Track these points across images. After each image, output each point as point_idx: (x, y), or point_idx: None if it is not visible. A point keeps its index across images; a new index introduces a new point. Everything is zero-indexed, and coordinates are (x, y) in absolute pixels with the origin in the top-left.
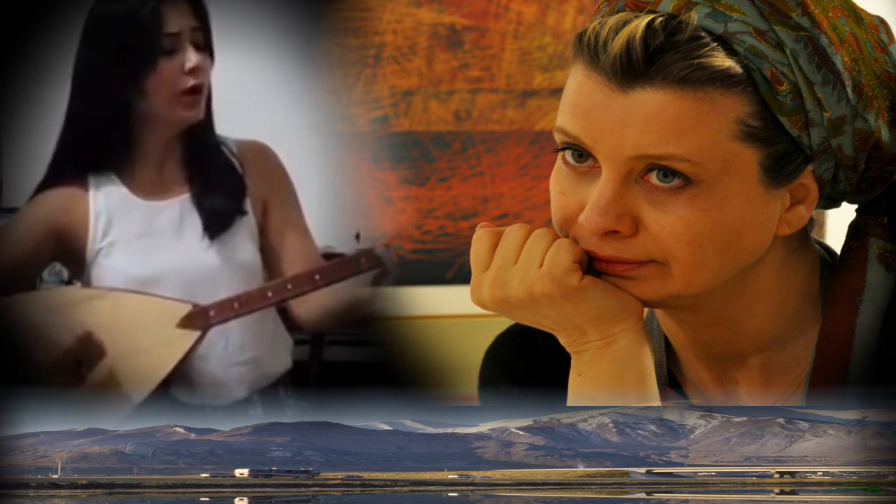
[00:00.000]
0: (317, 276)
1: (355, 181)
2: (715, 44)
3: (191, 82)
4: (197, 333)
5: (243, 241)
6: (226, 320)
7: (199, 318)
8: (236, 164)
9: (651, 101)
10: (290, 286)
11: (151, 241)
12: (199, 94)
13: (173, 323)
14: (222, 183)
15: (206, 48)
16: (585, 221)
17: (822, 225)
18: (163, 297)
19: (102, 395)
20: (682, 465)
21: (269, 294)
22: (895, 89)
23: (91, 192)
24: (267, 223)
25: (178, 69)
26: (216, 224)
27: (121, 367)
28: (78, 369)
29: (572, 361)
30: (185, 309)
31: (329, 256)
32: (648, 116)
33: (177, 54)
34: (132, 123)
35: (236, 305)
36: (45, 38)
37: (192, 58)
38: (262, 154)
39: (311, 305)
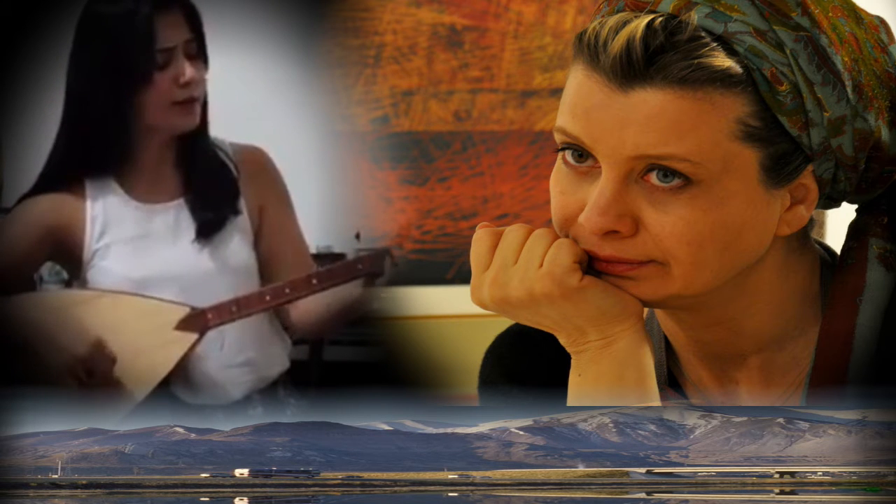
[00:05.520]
0: (314, 281)
1: (355, 181)
2: (715, 44)
3: (185, 95)
4: (194, 336)
5: (238, 244)
6: (223, 323)
7: (197, 321)
8: (231, 167)
9: (651, 101)
10: (288, 290)
11: (147, 244)
12: (195, 104)
13: (171, 325)
14: (217, 186)
15: (199, 57)
16: (585, 221)
17: (822, 225)
18: (161, 300)
19: (102, 396)
20: (682, 465)
21: (267, 298)
22: (895, 89)
23: (88, 195)
24: (262, 227)
25: (172, 83)
26: (211, 226)
27: (120, 368)
28: (86, 372)
29: (572, 361)
30: (183, 311)
31: (327, 256)
32: (648, 116)
33: (170, 68)
34: (127, 129)
35: (234, 309)
36: (45, 39)
37: (186, 71)
38: (258, 159)
39: (305, 311)
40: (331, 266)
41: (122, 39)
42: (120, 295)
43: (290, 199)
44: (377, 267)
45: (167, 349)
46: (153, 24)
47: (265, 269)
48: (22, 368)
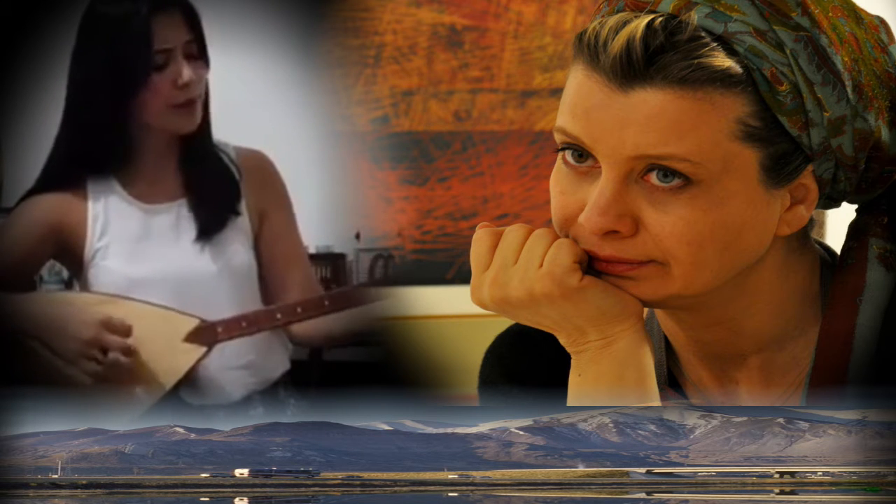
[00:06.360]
0: (327, 302)
1: (355, 181)
2: (715, 44)
3: (184, 97)
4: (203, 349)
5: (238, 246)
6: (232, 338)
7: (207, 334)
8: (234, 170)
9: (651, 101)
10: (300, 310)
11: (147, 244)
12: (194, 105)
13: (180, 336)
14: (218, 188)
15: (200, 58)
16: (585, 221)
17: (822, 225)
18: (170, 309)
19: (106, 397)
20: (682, 465)
21: (278, 316)
22: (895, 89)
23: (90, 194)
24: (262, 231)
25: (171, 84)
26: (210, 228)
27: (130, 364)
28: (101, 350)
29: (572, 361)
30: (193, 323)
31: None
32: (648, 116)
33: (169, 69)
34: (128, 129)
35: (244, 324)
36: (45, 38)
37: (185, 73)
38: (260, 163)
39: (310, 328)
40: (344, 289)
41: (121, 40)
42: (130, 301)
43: (291, 205)
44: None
45: (175, 359)
46: (150, 26)
47: (264, 274)
48: (22, 368)
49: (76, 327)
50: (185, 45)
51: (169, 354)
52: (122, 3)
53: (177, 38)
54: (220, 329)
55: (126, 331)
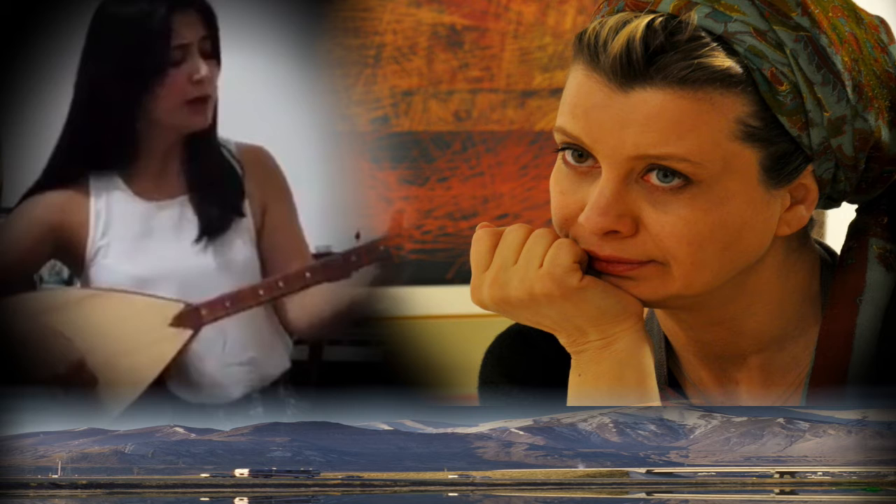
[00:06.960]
0: (308, 274)
1: (355, 181)
2: (715, 44)
3: (198, 92)
4: (189, 332)
5: (241, 243)
6: (217, 319)
7: (191, 317)
8: (236, 167)
9: (651, 101)
10: (281, 284)
11: (150, 241)
12: (206, 102)
13: (166, 322)
14: (222, 185)
15: (213, 56)
16: (585, 221)
17: (822, 225)
18: (155, 297)
19: (97, 394)
20: (682, 465)
21: (261, 292)
22: (895, 89)
23: (92, 192)
24: (264, 225)
25: (186, 79)
26: (214, 225)
27: (115, 366)
28: (64, 389)
29: (572, 361)
30: (178, 308)
31: (325, 256)
32: (648, 116)
33: (185, 64)
34: (136, 126)
35: (228, 304)
36: (47, 38)
37: (200, 68)
38: (262, 158)
39: (302, 309)
40: (325, 260)
41: (138, 37)
42: (114, 293)
43: (292, 198)
44: (373, 260)
45: (161, 346)
46: (170, 21)
47: (267, 267)
48: (21, 368)
49: (54, 353)
50: (200, 41)
51: (155, 341)
52: (138, 2)
53: (193, 34)
54: (204, 311)
55: (91, 381)
